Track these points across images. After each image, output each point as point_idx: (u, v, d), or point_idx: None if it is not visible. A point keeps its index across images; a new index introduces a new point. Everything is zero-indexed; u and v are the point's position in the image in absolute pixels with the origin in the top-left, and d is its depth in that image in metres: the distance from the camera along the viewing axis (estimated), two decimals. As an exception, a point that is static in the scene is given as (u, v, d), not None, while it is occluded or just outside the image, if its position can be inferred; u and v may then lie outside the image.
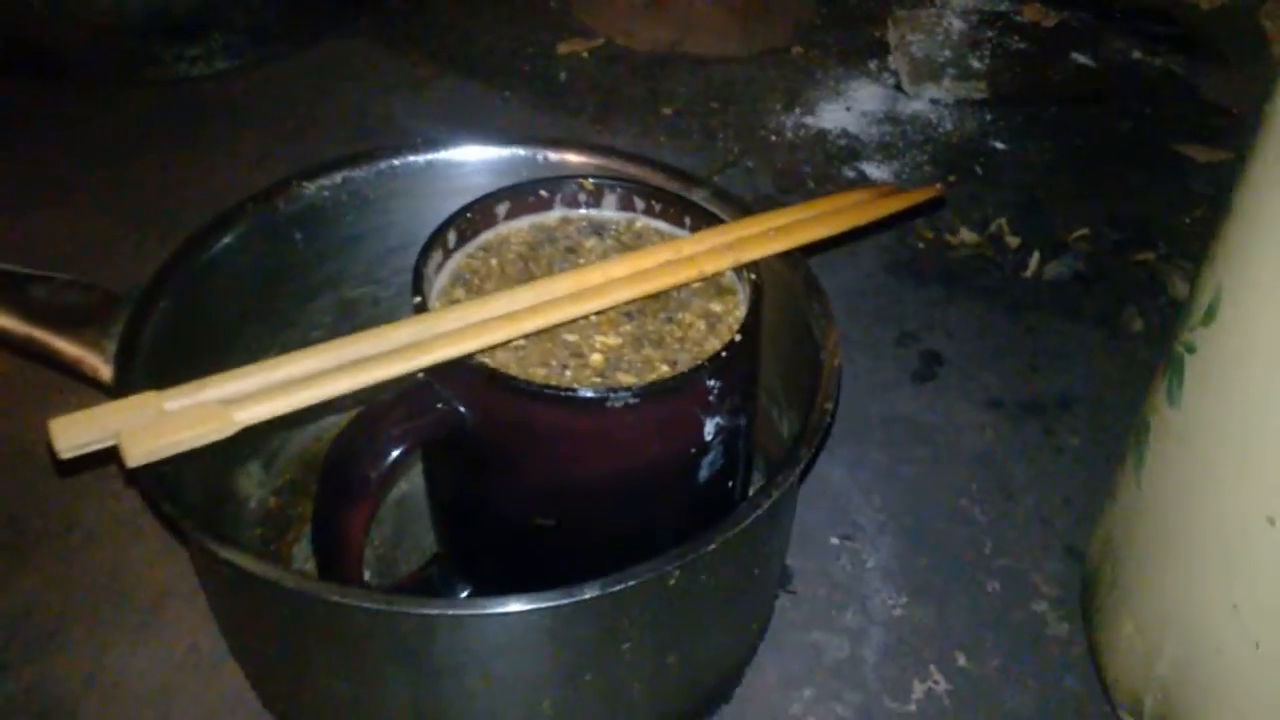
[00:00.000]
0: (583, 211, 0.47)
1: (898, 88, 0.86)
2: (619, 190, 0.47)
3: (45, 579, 0.52)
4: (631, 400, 0.38)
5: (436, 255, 0.44)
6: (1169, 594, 0.44)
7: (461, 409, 0.39)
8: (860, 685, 0.49)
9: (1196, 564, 0.42)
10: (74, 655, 0.49)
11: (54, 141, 0.78)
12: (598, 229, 0.47)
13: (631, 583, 0.37)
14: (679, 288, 0.44)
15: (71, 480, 0.55)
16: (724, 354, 0.40)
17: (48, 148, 0.77)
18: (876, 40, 0.92)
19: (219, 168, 0.75)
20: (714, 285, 0.45)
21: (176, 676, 0.48)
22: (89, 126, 0.79)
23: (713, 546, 0.38)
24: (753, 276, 0.44)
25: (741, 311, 0.43)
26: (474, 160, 0.53)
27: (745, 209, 0.49)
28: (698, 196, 0.49)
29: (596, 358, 0.41)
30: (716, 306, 0.44)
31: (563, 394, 0.39)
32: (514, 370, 0.40)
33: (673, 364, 0.41)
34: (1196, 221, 0.75)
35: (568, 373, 0.40)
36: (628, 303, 0.43)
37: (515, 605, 0.36)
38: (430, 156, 0.53)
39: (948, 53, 0.90)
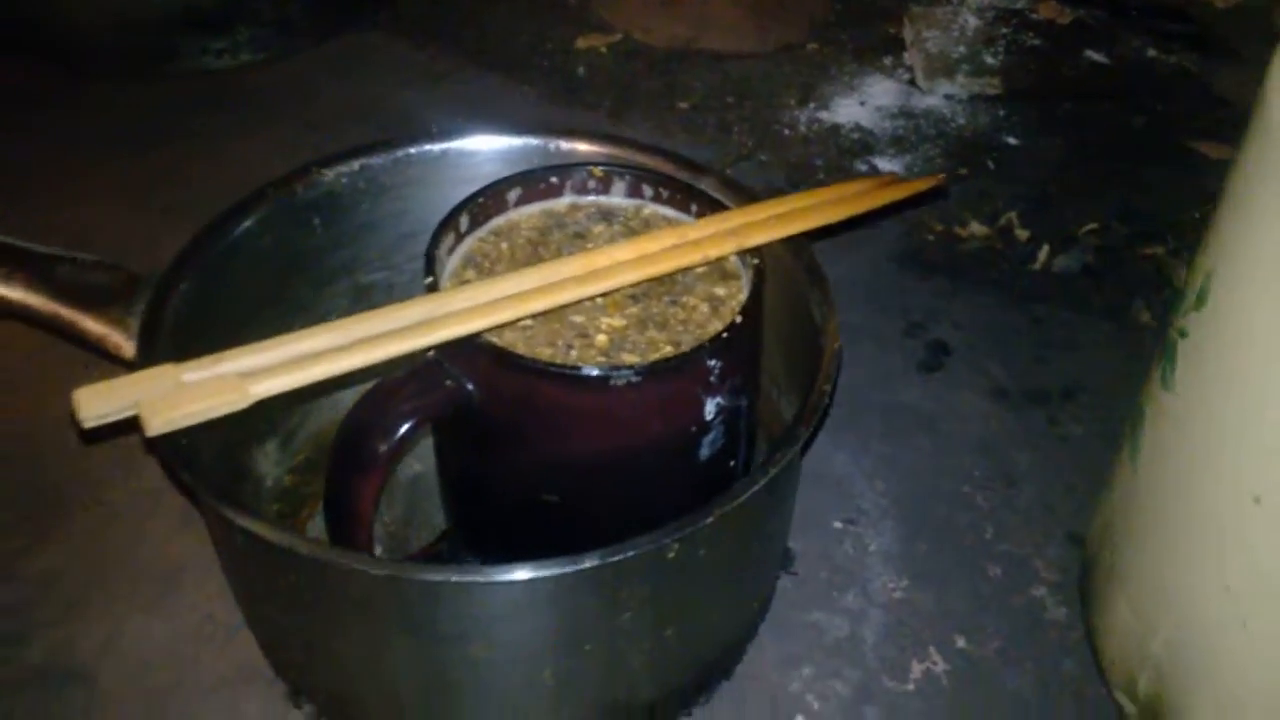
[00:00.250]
0: (592, 198, 0.49)
1: (912, 83, 0.87)
2: (627, 177, 0.48)
3: (67, 552, 0.53)
4: (634, 379, 0.40)
5: (449, 238, 0.45)
6: (1162, 575, 0.44)
7: (469, 386, 0.41)
8: (859, 664, 0.50)
9: (1188, 545, 0.43)
10: (93, 624, 0.50)
11: (81, 130, 0.80)
12: (606, 215, 0.48)
13: (630, 553, 0.38)
14: (684, 272, 0.45)
15: (95, 458, 0.57)
16: (725, 335, 0.41)
17: (75, 136, 0.79)
18: (892, 37, 0.92)
19: (241, 157, 0.77)
20: (718, 270, 0.46)
21: (192, 645, 0.50)
22: (115, 116, 0.81)
23: (710, 520, 0.39)
24: (755, 261, 0.45)
25: (744, 295, 0.44)
26: (487, 149, 0.54)
27: (751, 197, 0.50)
28: (705, 185, 0.50)
29: (602, 338, 0.42)
30: (720, 290, 0.45)
31: (567, 372, 0.40)
32: (521, 349, 0.41)
33: (676, 345, 0.42)
34: (1206, 217, 0.75)
35: (573, 352, 0.42)
36: (633, 286, 0.44)
37: (517, 573, 0.37)
38: (445, 145, 0.54)
39: (962, 49, 0.90)
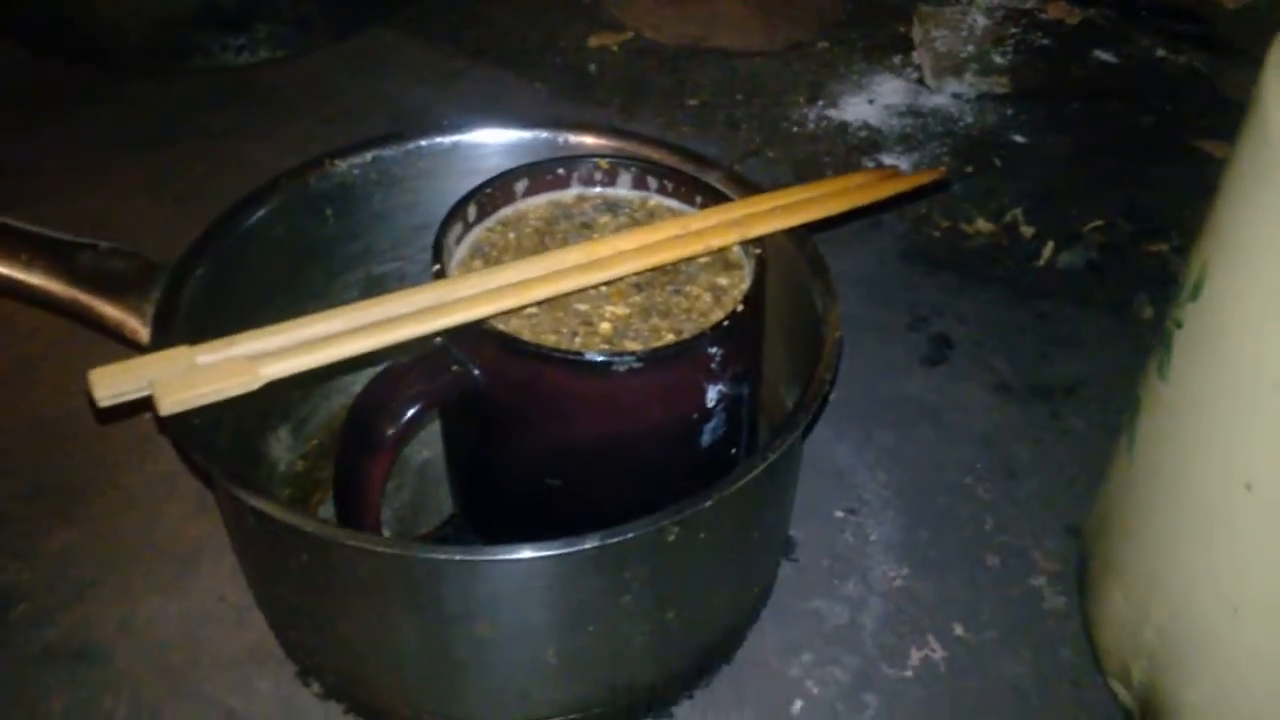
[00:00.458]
0: (598, 189, 0.49)
1: (920, 82, 0.88)
2: (633, 170, 0.49)
3: (84, 534, 0.55)
4: (636, 365, 0.40)
5: (457, 228, 0.46)
6: (1155, 563, 0.45)
7: (475, 371, 0.42)
8: (859, 651, 0.51)
9: (1180, 532, 0.43)
10: (109, 604, 0.51)
11: (103, 124, 0.81)
12: (612, 206, 0.49)
13: (630, 535, 0.38)
14: (687, 261, 0.46)
15: (112, 443, 0.58)
16: (726, 323, 0.42)
17: (97, 129, 0.81)
18: (901, 36, 0.93)
19: (258, 151, 0.78)
20: (721, 260, 0.47)
21: (205, 626, 0.51)
22: (137, 110, 0.83)
23: (709, 503, 0.40)
24: (758, 251, 0.45)
25: (746, 285, 0.45)
26: (496, 142, 0.55)
27: (755, 190, 0.51)
28: (710, 178, 0.51)
29: (605, 326, 0.43)
30: (723, 280, 0.46)
31: (570, 357, 0.41)
32: (526, 336, 0.42)
33: (678, 333, 0.43)
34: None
35: (577, 339, 0.43)
36: (637, 275, 0.45)
37: (520, 553, 0.38)
38: (455, 138, 0.55)
39: (971, 48, 0.91)
